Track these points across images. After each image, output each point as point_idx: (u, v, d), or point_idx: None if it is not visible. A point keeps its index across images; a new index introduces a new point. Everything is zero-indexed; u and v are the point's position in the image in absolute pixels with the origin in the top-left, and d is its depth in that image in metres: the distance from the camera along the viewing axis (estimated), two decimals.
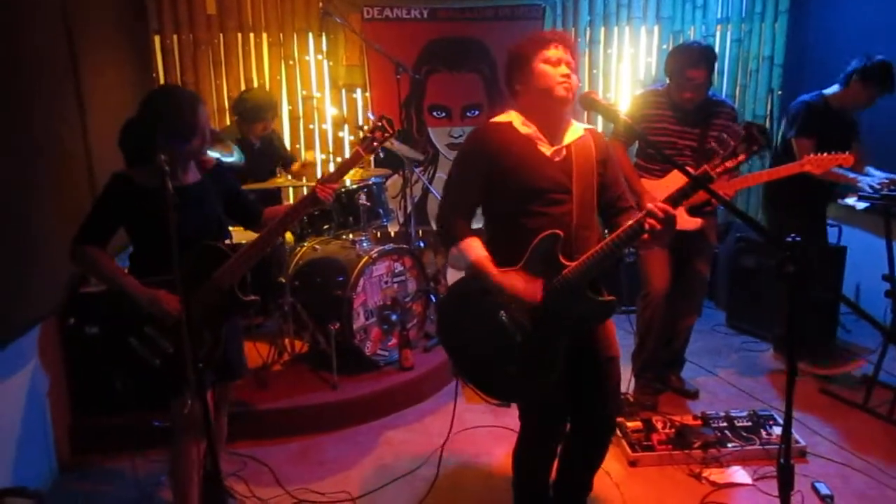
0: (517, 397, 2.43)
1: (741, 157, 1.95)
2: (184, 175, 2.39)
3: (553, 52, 2.21)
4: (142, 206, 2.24)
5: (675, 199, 2.05)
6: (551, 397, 2.35)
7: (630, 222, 2.09)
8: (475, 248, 2.23)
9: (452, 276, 4.23)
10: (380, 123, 2.59)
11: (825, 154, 3.30)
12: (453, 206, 2.33)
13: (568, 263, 2.17)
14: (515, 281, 2.18)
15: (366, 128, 2.94)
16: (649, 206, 2.04)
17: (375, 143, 2.60)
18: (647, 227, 2.04)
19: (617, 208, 2.36)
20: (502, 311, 2.23)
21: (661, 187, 3.29)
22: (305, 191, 4.82)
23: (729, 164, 1.97)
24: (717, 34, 5.34)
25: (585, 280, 2.17)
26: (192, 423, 2.33)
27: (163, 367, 2.31)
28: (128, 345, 2.30)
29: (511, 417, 2.56)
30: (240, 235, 2.94)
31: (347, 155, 5.05)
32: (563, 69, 2.20)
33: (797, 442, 3.14)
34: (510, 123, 2.30)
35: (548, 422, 2.46)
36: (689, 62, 3.23)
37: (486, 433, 3.39)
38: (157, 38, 4.66)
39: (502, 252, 2.23)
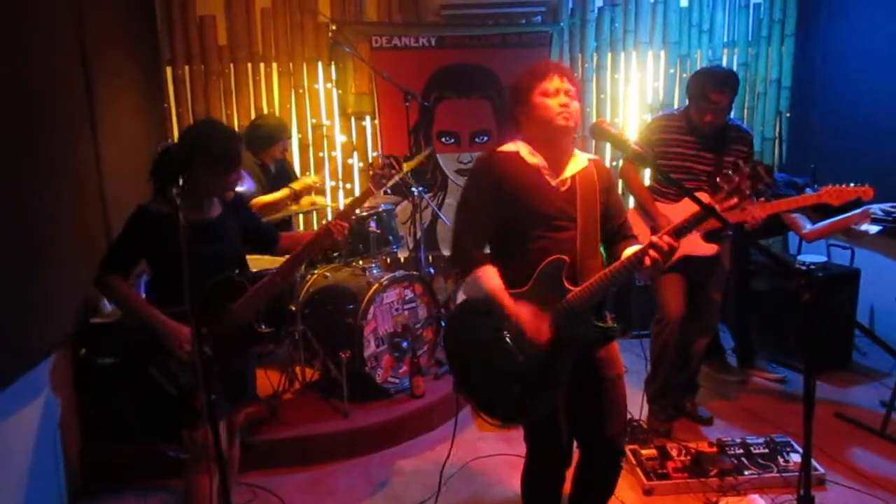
0: (519, 418, 2.43)
1: (746, 193, 1.99)
2: (207, 209, 2.42)
3: (550, 84, 2.25)
4: (165, 236, 2.25)
5: (684, 228, 2.08)
6: (553, 419, 2.36)
7: (633, 252, 2.13)
8: (491, 278, 2.26)
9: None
10: (388, 161, 2.63)
11: (844, 186, 3.26)
12: (467, 233, 2.36)
13: (572, 288, 2.21)
14: (527, 318, 2.21)
15: (375, 165, 3.00)
16: (653, 239, 2.09)
17: (385, 181, 2.64)
18: (649, 260, 2.07)
19: (619, 236, 2.40)
20: (506, 333, 2.26)
21: (676, 211, 3.28)
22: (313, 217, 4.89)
23: (734, 200, 2.00)
24: (724, 58, 5.36)
25: (588, 306, 2.21)
26: (205, 453, 2.32)
27: (179, 397, 2.31)
28: (148, 374, 2.31)
29: (525, 446, 2.57)
30: (253, 263, 2.94)
31: (356, 181, 5.09)
32: (562, 98, 2.24)
33: (815, 469, 3.09)
34: (517, 153, 2.34)
35: (551, 444, 2.45)
36: (714, 85, 3.22)
37: (501, 462, 3.36)
38: (168, 69, 4.72)
39: (506, 274, 2.27)
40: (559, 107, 2.23)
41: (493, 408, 2.39)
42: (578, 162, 2.35)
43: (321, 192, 4.51)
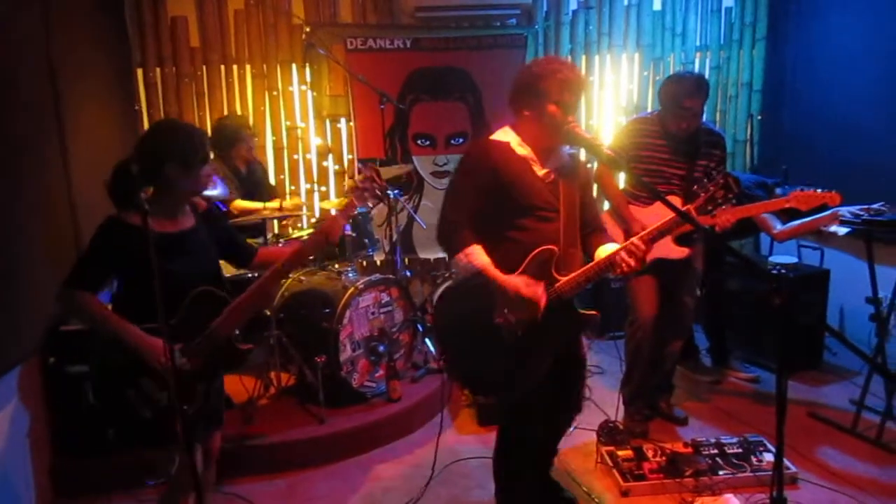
0: (503, 393, 2.55)
1: (719, 202, 2.20)
2: (182, 219, 2.34)
3: (571, 98, 2.35)
4: (136, 249, 2.13)
5: (660, 233, 2.27)
6: (532, 397, 2.50)
7: (610, 254, 2.34)
8: (480, 255, 2.36)
9: None
10: (370, 175, 2.58)
11: (812, 191, 3.30)
12: (457, 214, 2.43)
13: (560, 277, 2.37)
14: (520, 284, 2.32)
15: (355, 178, 2.97)
16: (633, 240, 2.28)
17: (367, 195, 2.59)
18: (618, 260, 2.29)
19: (591, 227, 2.57)
20: (496, 315, 2.38)
21: (649, 214, 3.31)
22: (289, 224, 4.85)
23: (709, 208, 2.22)
24: (697, 61, 5.41)
25: (575, 294, 2.39)
26: (184, 476, 2.28)
27: (154, 420, 2.22)
28: (125, 396, 2.21)
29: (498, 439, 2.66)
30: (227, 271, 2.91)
31: (331, 184, 5.05)
32: (572, 112, 2.36)
33: (788, 469, 3.13)
34: (508, 144, 2.44)
35: (528, 422, 2.60)
36: (685, 92, 3.24)
37: (481, 465, 3.34)
38: (139, 71, 4.64)
39: (493, 261, 2.37)
40: (570, 119, 2.35)
41: (480, 382, 2.58)
42: (561, 156, 2.49)
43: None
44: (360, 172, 2.74)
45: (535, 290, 2.32)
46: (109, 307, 2.29)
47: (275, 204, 4.06)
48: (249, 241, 3.93)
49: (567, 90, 2.33)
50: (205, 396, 2.32)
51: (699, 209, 2.22)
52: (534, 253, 2.35)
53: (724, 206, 2.22)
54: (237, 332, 2.38)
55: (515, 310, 2.35)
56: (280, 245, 3.96)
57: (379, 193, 2.59)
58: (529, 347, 2.39)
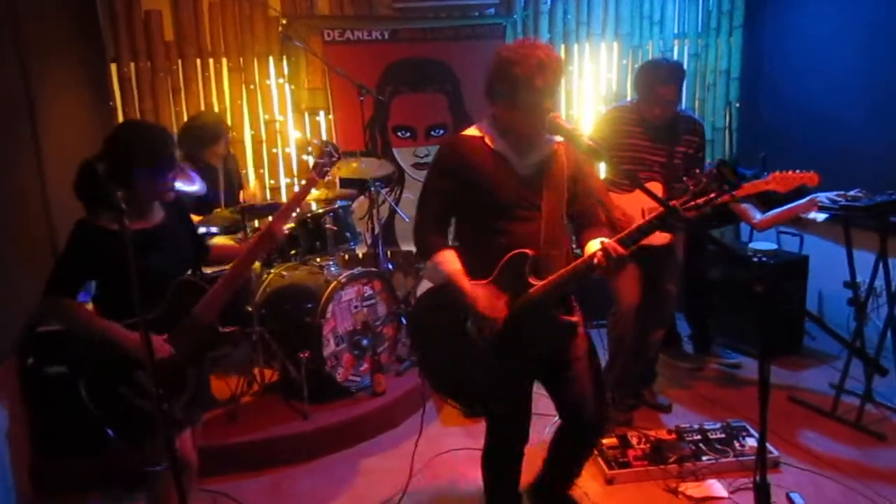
0: (480, 406, 2.46)
1: (711, 196, 2.02)
2: (150, 215, 2.32)
3: (544, 88, 2.17)
4: (113, 250, 2.13)
5: (642, 232, 2.10)
6: (514, 406, 2.43)
7: (585, 257, 2.19)
8: (450, 262, 2.28)
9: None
10: (327, 149, 2.61)
11: (790, 172, 3.33)
12: (428, 218, 2.37)
13: (535, 283, 2.24)
14: (482, 298, 2.23)
15: (315, 152, 3.02)
16: (604, 241, 2.14)
17: (326, 169, 2.62)
18: (595, 261, 2.13)
19: (584, 221, 2.42)
20: (469, 322, 2.29)
21: (631, 201, 3.32)
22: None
23: (699, 201, 2.04)
24: (675, 49, 5.43)
25: (549, 300, 2.26)
26: (182, 463, 2.27)
27: (154, 410, 2.21)
28: (119, 394, 2.21)
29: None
30: None
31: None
32: (546, 103, 2.19)
33: (770, 453, 3.17)
34: (481, 139, 2.32)
35: (511, 431, 2.53)
36: (659, 79, 3.25)
37: (464, 456, 3.35)
38: (113, 66, 4.56)
39: (473, 267, 2.29)
40: (543, 112, 2.18)
41: (458, 397, 2.45)
42: (545, 146, 2.33)
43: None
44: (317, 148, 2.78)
45: (491, 307, 2.22)
46: (90, 307, 2.30)
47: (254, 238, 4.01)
48: (228, 237, 3.93)
49: (542, 73, 2.15)
50: (196, 381, 2.34)
51: (686, 202, 2.05)
52: (506, 258, 2.23)
53: (718, 201, 2.09)
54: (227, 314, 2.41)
55: (477, 322, 2.28)
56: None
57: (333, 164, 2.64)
58: (505, 356, 2.28)
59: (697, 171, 2.07)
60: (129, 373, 2.21)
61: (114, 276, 2.20)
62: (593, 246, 2.23)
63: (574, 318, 2.35)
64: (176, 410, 2.25)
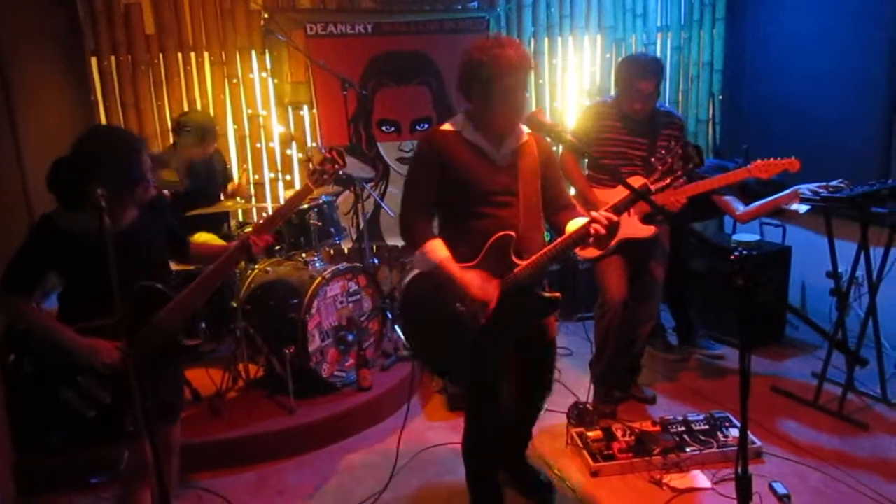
0: (467, 376, 2.58)
1: (678, 174, 2.14)
2: (122, 217, 2.26)
3: (515, 80, 2.28)
4: (74, 251, 2.11)
5: (618, 209, 2.25)
6: (497, 375, 2.54)
7: (577, 227, 2.30)
8: (438, 250, 2.36)
9: None
10: (330, 156, 2.57)
11: (773, 160, 3.36)
12: (414, 209, 2.44)
13: (519, 262, 2.36)
14: (475, 282, 2.33)
15: (313, 159, 2.94)
16: (593, 213, 2.26)
17: (326, 177, 2.58)
18: (591, 231, 2.25)
19: (557, 205, 2.55)
20: (458, 304, 2.37)
21: (614, 196, 3.31)
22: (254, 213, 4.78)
23: (668, 180, 2.16)
24: (658, 42, 5.44)
25: (535, 279, 2.39)
26: (136, 471, 2.24)
27: (99, 418, 2.18)
28: (61, 397, 2.15)
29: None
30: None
31: (295, 173, 4.98)
32: (520, 94, 2.32)
33: (753, 443, 3.20)
34: (457, 132, 2.42)
35: (491, 414, 2.61)
36: (639, 74, 3.26)
37: (451, 451, 3.35)
38: (93, 60, 4.51)
39: (456, 251, 2.37)
40: (518, 102, 2.31)
41: (446, 369, 2.63)
42: (519, 137, 2.45)
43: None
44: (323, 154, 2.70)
45: (484, 292, 2.33)
46: (56, 308, 2.25)
47: (230, 202, 3.96)
48: (210, 234, 3.90)
49: (512, 73, 2.26)
50: (153, 391, 2.24)
51: (655, 181, 2.18)
52: (490, 240, 2.34)
53: (684, 179, 2.20)
54: (195, 325, 2.36)
55: (468, 305, 2.36)
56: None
57: (333, 174, 2.60)
58: (491, 333, 2.39)
59: (663, 151, 2.18)
60: (73, 377, 2.15)
61: (74, 276, 2.18)
62: (576, 223, 2.36)
63: (556, 294, 2.47)
64: (126, 423, 2.16)
